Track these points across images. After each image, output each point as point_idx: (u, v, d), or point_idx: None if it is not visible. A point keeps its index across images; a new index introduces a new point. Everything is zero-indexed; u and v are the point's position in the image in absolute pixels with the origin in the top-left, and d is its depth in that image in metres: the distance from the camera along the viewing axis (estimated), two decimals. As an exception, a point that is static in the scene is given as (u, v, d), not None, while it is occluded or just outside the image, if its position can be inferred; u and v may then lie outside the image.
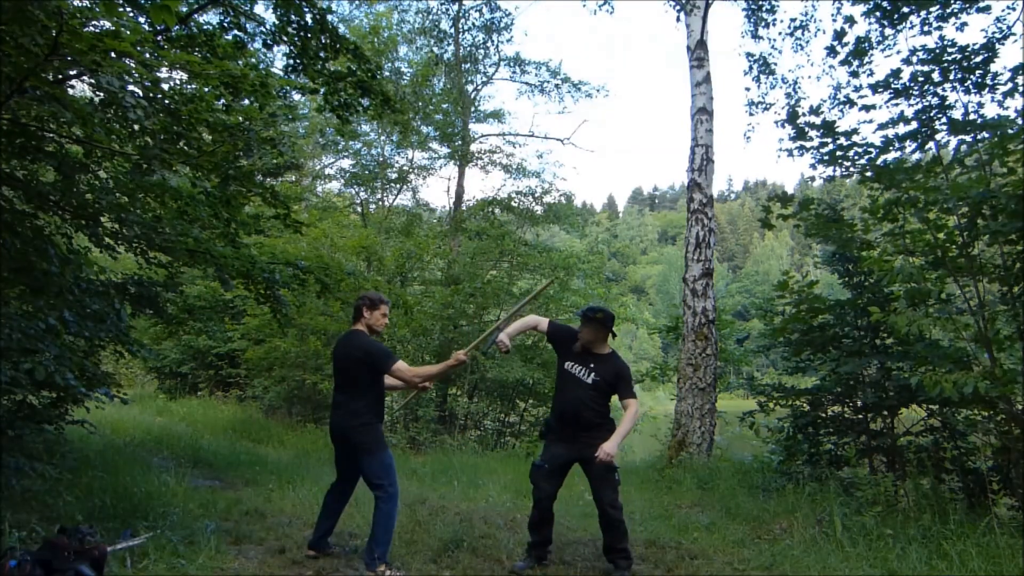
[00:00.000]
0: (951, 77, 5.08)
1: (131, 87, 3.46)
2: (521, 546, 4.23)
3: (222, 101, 4.48)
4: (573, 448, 3.91)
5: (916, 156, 5.19)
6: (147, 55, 3.32)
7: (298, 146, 17.02)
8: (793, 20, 10.71)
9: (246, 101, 4.73)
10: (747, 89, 16.35)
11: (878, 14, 6.91)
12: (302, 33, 5.66)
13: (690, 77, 8.92)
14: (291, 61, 5.83)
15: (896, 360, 5.71)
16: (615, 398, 4.03)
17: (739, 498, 5.99)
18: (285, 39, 5.72)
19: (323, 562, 3.90)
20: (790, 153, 5.50)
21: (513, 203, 16.17)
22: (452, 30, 15.81)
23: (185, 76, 4.45)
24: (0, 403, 4.27)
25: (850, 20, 6.48)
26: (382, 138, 17.33)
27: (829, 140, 5.26)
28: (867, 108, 5.44)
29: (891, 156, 5.15)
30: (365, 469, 3.84)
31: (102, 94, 3.58)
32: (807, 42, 10.85)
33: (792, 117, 5.40)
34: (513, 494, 6.23)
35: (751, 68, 10.96)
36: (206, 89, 4.13)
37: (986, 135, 4.65)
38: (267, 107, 4.96)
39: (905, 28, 6.93)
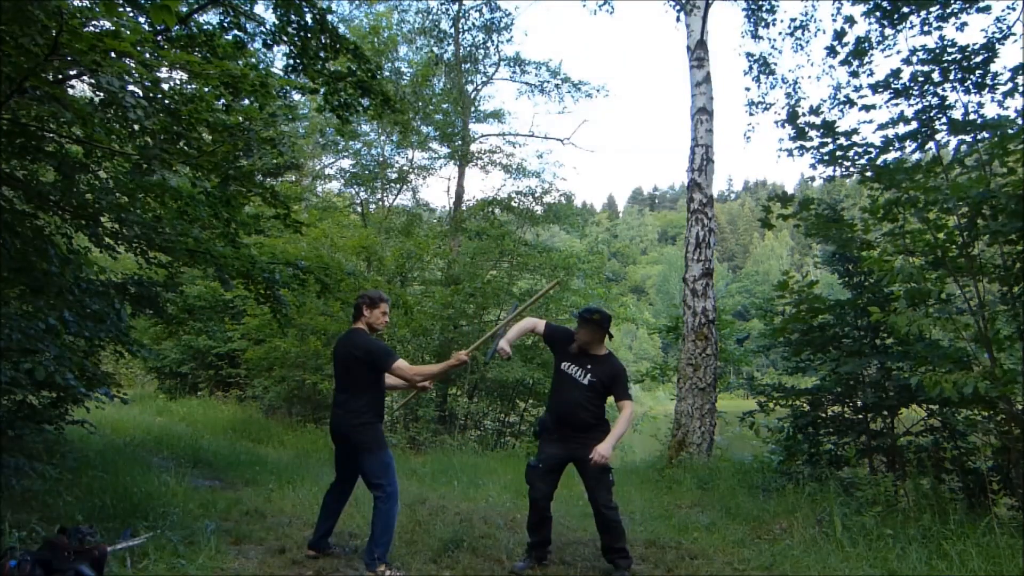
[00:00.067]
0: (951, 77, 5.08)
1: (131, 87, 3.46)
2: (521, 546, 4.23)
3: (222, 101, 4.48)
4: (568, 448, 3.91)
5: (916, 156, 5.19)
6: (147, 55, 3.32)
7: (298, 146, 17.02)
8: (793, 20, 10.73)
9: (246, 101, 4.72)
10: (747, 89, 16.37)
11: (878, 14, 6.91)
12: (302, 33, 5.66)
13: (690, 77, 8.92)
14: (291, 61, 5.83)
15: (896, 360, 5.71)
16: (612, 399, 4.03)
17: (739, 498, 5.99)
18: (285, 39, 5.72)
19: (323, 562, 3.90)
20: (790, 153, 5.50)
21: (513, 203, 16.17)
22: (452, 30, 15.82)
23: (185, 76, 4.45)
24: (0, 403, 4.28)
25: (850, 20, 6.49)
26: (382, 138, 17.34)
27: (829, 140, 5.26)
28: (867, 108, 5.44)
29: (891, 156, 5.15)
30: (364, 468, 3.84)
31: (102, 94, 3.57)
32: (807, 42, 10.86)
33: (792, 117, 5.40)
34: (513, 494, 6.23)
35: (751, 68, 10.97)
36: (206, 89, 4.13)
37: (986, 135, 4.65)
38: (267, 107, 4.96)
39: (905, 28, 6.93)
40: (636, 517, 5.58)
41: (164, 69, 4.15)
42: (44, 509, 4.17)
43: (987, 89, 5.12)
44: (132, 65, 3.26)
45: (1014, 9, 6.64)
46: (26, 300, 4.50)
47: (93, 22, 3.37)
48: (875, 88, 5.25)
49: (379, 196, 18.65)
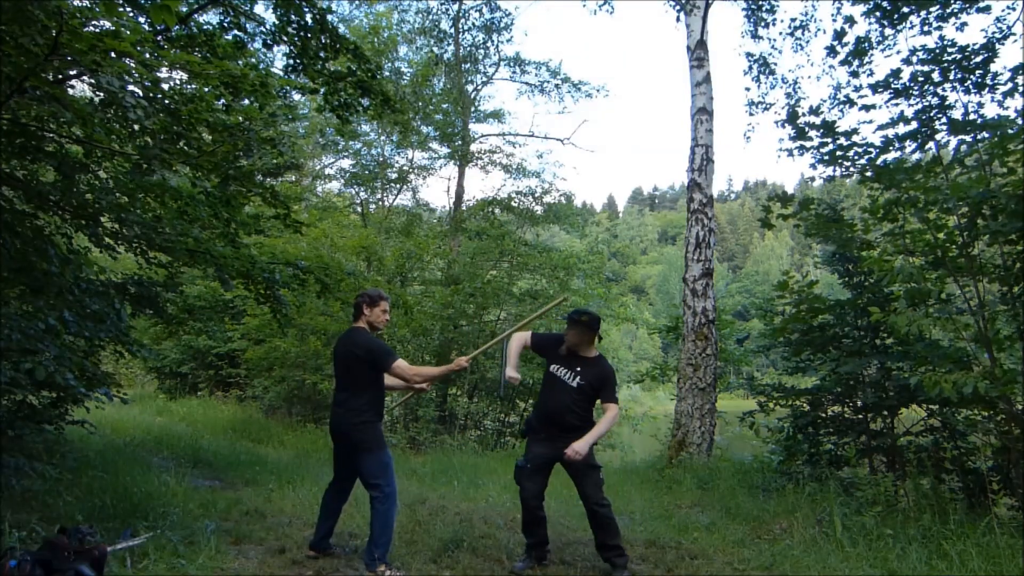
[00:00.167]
0: (951, 77, 5.08)
1: (131, 87, 3.46)
2: (521, 546, 4.22)
3: (222, 101, 4.48)
4: (554, 448, 3.89)
5: (916, 156, 5.19)
6: (147, 55, 3.32)
7: (298, 146, 17.02)
8: (793, 20, 10.72)
9: (246, 101, 4.72)
10: (747, 89, 16.37)
11: (878, 14, 6.91)
12: (302, 33, 5.66)
13: (690, 77, 8.92)
14: (291, 61, 5.83)
15: (896, 360, 5.71)
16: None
17: (739, 498, 5.99)
18: (285, 39, 5.72)
19: (323, 562, 3.90)
20: (790, 153, 5.50)
21: (513, 203, 16.17)
22: (452, 30, 15.82)
23: (185, 76, 4.44)
24: (0, 403, 4.28)
25: (850, 20, 6.50)
26: (382, 138, 17.34)
27: (829, 140, 5.26)
28: (867, 108, 5.45)
29: (891, 156, 5.15)
30: (362, 468, 3.84)
31: (102, 94, 3.57)
32: (807, 42, 10.87)
33: (792, 117, 5.40)
34: (513, 494, 6.19)
35: (751, 68, 10.97)
36: (206, 89, 4.13)
37: (986, 135, 4.65)
38: (267, 107, 4.95)
39: (905, 28, 6.94)
40: (636, 517, 5.58)
41: (164, 69, 4.15)
42: (44, 509, 4.17)
43: (987, 89, 5.12)
44: (132, 65, 3.26)
45: (1014, 9, 6.65)
46: (26, 300, 4.50)
47: (93, 22, 3.37)
48: (875, 88, 5.25)
49: (379, 196, 18.66)
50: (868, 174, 5.17)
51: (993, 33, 6.60)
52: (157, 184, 4.38)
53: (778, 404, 6.71)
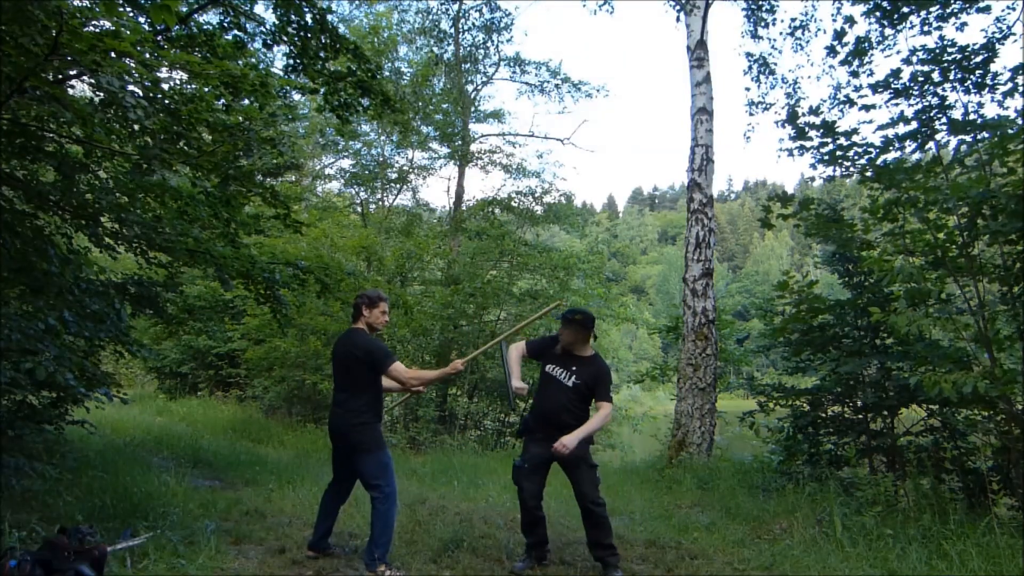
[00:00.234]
0: (951, 77, 5.08)
1: (131, 87, 3.46)
2: (521, 546, 4.22)
3: (222, 101, 4.48)
4: (549, 447, 3.90)
5: (916, 156, 5.19)
6: (147, 55, 3.32)
7: (298, 146, 17.02)
8: (793, 20, 10.73)
9: (246, 101, 4.72)
10: (747, 89, 16.37)
11: (878, 14, 6.92)
12: (302, 33, 5.66)
13: (690, 77, 8.92)
14: (291, 61, 5.83)
15: (896, 360, 5.71)
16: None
17: (739, 498, 5.99)
18: (285, 39, 5.72)
19: (323, 562, 3.90)
20: (790, 153, 5.50)
21: (513, 203, 16.17)
22: (452, 30, 15.82)
23: (185, 76, 4.44)
24: (0, 403, 4.28)
25: (850, 20, 6.50)
26: (382, 138, 17.34)
27: (829, 140, 5.26)
28: (867, 108, 5.45)
29: (891, 156, 5.15)
30: (362, 468, 3.84)
31: (102, 94, 3.57)
32: (807, 42, 10.87)
33: (792, 117, 5.40)
34: (513, 494, 6.17)
35: (751, 68, 10.97)
36: (206, 89, 4.13)
37: (986, 135, 4.65)
38: (267, 107, 4.95)
39: (905, 28, 6.94)
40: (636, 517, 5.57)
41: (164, 69, 4.15)
42: (44, 509, 4.17)
43: (987, 89, 5.12)
44: (132, 65, 3.26)
45: (1014, 9, 6.65)
46: (26, 300, 4.50)
47: (93, 22, 3.37)
48: (875, 88, 5.25)
49: (379, 196, 18.66)
50: (868, 174, 5.17)
51: (993, 33, 6.60)
52: (157, 184, 4.38)
53: (778, 404, 6.71)
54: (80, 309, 4.69)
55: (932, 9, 6.52)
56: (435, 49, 15.86)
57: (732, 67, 63.83)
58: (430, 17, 15.70)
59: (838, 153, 5.27)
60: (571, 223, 16.57)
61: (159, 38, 4.48)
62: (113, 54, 3.03)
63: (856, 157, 5.26)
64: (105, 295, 5.13)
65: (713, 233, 8.58)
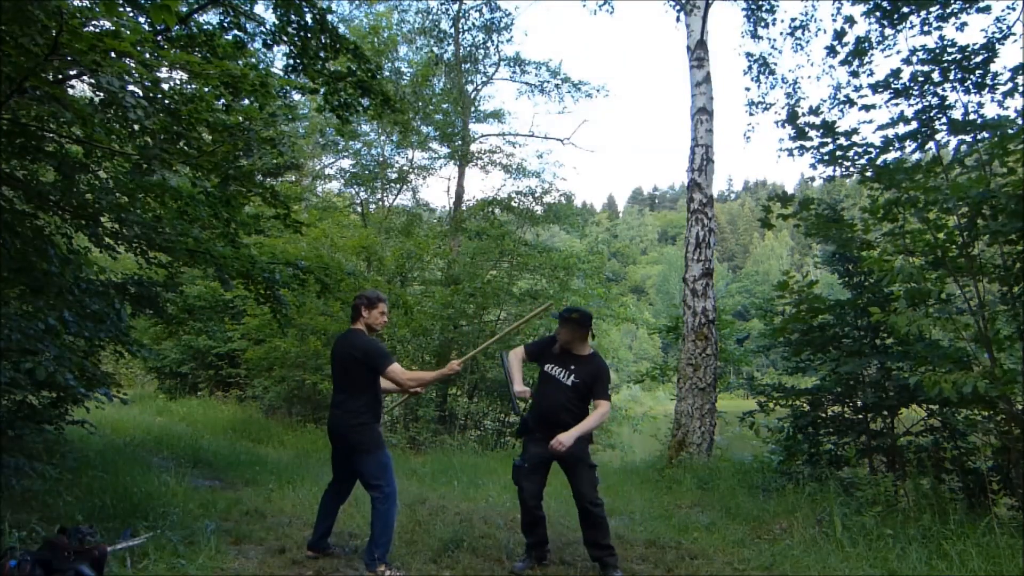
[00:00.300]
0: (951, 77, 5.09)
1: (131, 87, 3.46)
2: (521, 546, 4.22)
3: (222, 101, 4.48)
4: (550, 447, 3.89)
5: (916, 156, 5.19)
6: (147, 55, 3.32)
7: (298, 146, 17.01)
8: (793, 20, 10.73)
9: (246, 101, 4.72)
10: (747, 89, 16.36)
11: (878, 14, 6.92)
12: (302, 33, 5.66)
13: (690, 77, 8.92)
14: (291, 61, 5.83)
15: (896, 360, 5.71)
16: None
17: (739, 498, 5.99)
18: (285, 39, 5.72)
19: (323, 562, 3.90)
20: (790, 153, 5.50)
21: (513, 203, 16.17)
22: (452, 30, 15.82)
23: (185, 76, 4.44)
24: (0, 403, 4.28)
25: (850, 20, 6.50)
26: (382, 138, 17.33)
27: (829, 140, 5.26)
28: (867, 108, 5.45)
29: (891, 156, 5.15)
30: (362, 469, 3.84)
31: (102, 94, 3.57)
32: (807, 42, 10.86)
33: (792, 117, 5.40)
34: (513, 494, 6.16)
35: (751, 68, 10.97)
36: (206, 89, 4.13)
37: (986, 135, 4.66)
38: (267, 107, 4.95)
39: (905, 28, 6.94)
40: (636, 517, 5.57)
41: (164, 69, 4.15)
42: (44, 509, 4.17)
43: (987, 89, 5.12)
44: (132, 65, 3.26)
45: (1014, 9, 6.65)
46: (26, 300, 4.50)
47: (93, 22, 3.37)
48: (875, 88, 5.26)
49: (379, 196, 18.65)
50: (868, 174, 5.17)
51: (993, 33, 6.60)
52: (157, 184, 4.38)
53: (778, 404, 6.71)
54: (80, 309, 4.69)
55: (932, 9, 6.52)
56: (435, 49, 15.86)
57: (732, 67, 63.85)
58: (430, 17, 15.72)
59: (838, 153, 5.27)
60: (571, 223, 16.57)
61: (159, 38, 4.48)
62: (113, 54, 3.03)
63: (856, 157, 5.26)
64: (105, 295, 5.13)
65: (713, 233, 8.58)
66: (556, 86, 16.67)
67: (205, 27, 5.31)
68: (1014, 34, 6.54)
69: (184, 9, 4.96)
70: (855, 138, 5.19)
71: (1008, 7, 6.74)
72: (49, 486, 4.40)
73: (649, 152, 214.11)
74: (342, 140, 17.05)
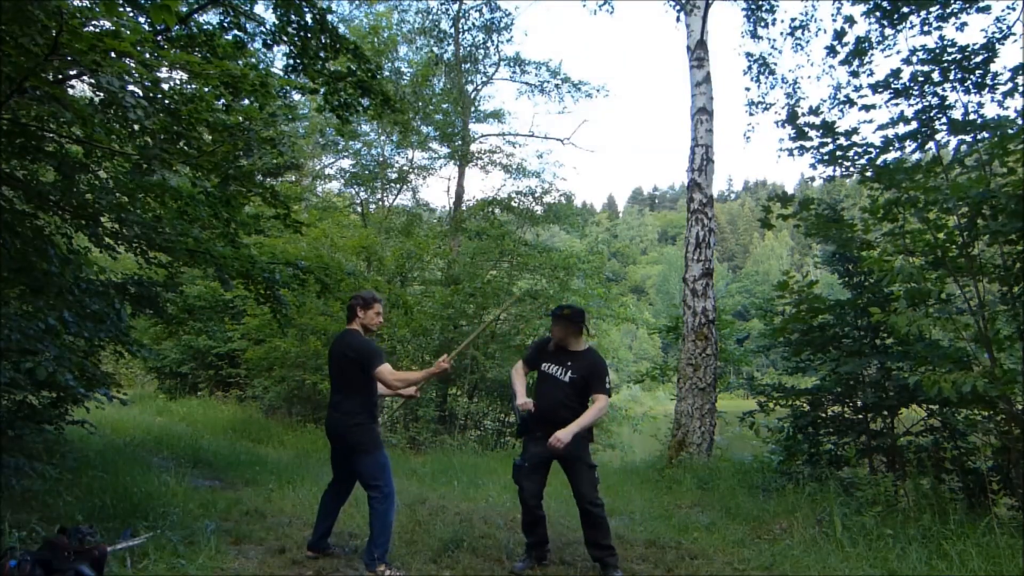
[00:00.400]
0: (951, 77, 5.09)
1: (131, 87, 3.46)
2: (521, 546, 4.22)
3: (222, 101, 4.47)
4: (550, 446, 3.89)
5: (916, 156, 5.20)
6: (147, 55, 3.32)
7: (298, 146, 17.02)
8: (793, 20, 10.72)
9: (246, 101, 4.72)
10: (747, 89, 16.33)
11: (878, 14, 6.92)
12: (302, 33, 5.66)
13: (690, 77, 8.92)
14: (291, 61, 5.83)
15: (896, 360, 5.71)
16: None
17: (739, 498, 5.99)
18: (285, 39, 5.72)
19: (323, 562, 3.90)
20: (790, 153, 5.51)
21: (513, 203, 16.16)
22: (452, 30, 15.82)
23: (185, 76, 4.44)
24: (0, 403, 4.28)
25: (850, 20, 6.50)
26: (382, 138, 17.33)
27: (829, 140, 5.27)
28: (867, 108, 5.45)
29: (891, 156, 5.16)
30: (360, 469, 3.84)
31: (102, 94, 3.57)
32: (807, 42, 10.86)
33: (792, 117, 5.40)
34: (513, 494, 6.17)
35: (751, 68, 10.97)
36: (206, 89, 4.12)
37: (986, 135, 4.66)
38: (267, 107, 4.95)
39: (905, 28, 6.94)
40: (636, 517, 5.57)
41: (164, 69, 4.15)
42: (44, 509, 4.17)
43: (987, 89, 5.13)
44: (132, 65, 3.26)
45: (1014, 9, 6.65)
46: (26, 300, 4.50)
47: (93, 22, 3.37)
48: (875, 88, 5.26)
49: (379, 196, 18.66)
50: (868, 174, 5.17)
51: (993, 33, 6.60)
52: (157, 184, 4.38)
53: (778, 404, 6.71)
54: (80, 309, 4.69)
55: (932, 9, 6.52)
56: (435, 49, 15.86)
57: (732, 67, 63.82)
58: (430, 17, 15.72)
59: (838, 153, 5.27)
60: (571, 223, 16.57)
61: (159, 38, 4.48)
62: (113, 54, 3.03)
63: (856, 157, 5.26)
64: (105, 295, 5.13)
65: (713, 233, 8.58)
66: (556, 86, 16.68)
67: (205, 27, 5.31)
68: (1014, 34, 6.55)
69: (184, 9, 4.96)
70: (855, 138, 5.20)
71: (1008, 7, 6.75)
72: (49, 486, 4.40)
73: (649, 152, 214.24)
74: (342, 140, 17.05)
